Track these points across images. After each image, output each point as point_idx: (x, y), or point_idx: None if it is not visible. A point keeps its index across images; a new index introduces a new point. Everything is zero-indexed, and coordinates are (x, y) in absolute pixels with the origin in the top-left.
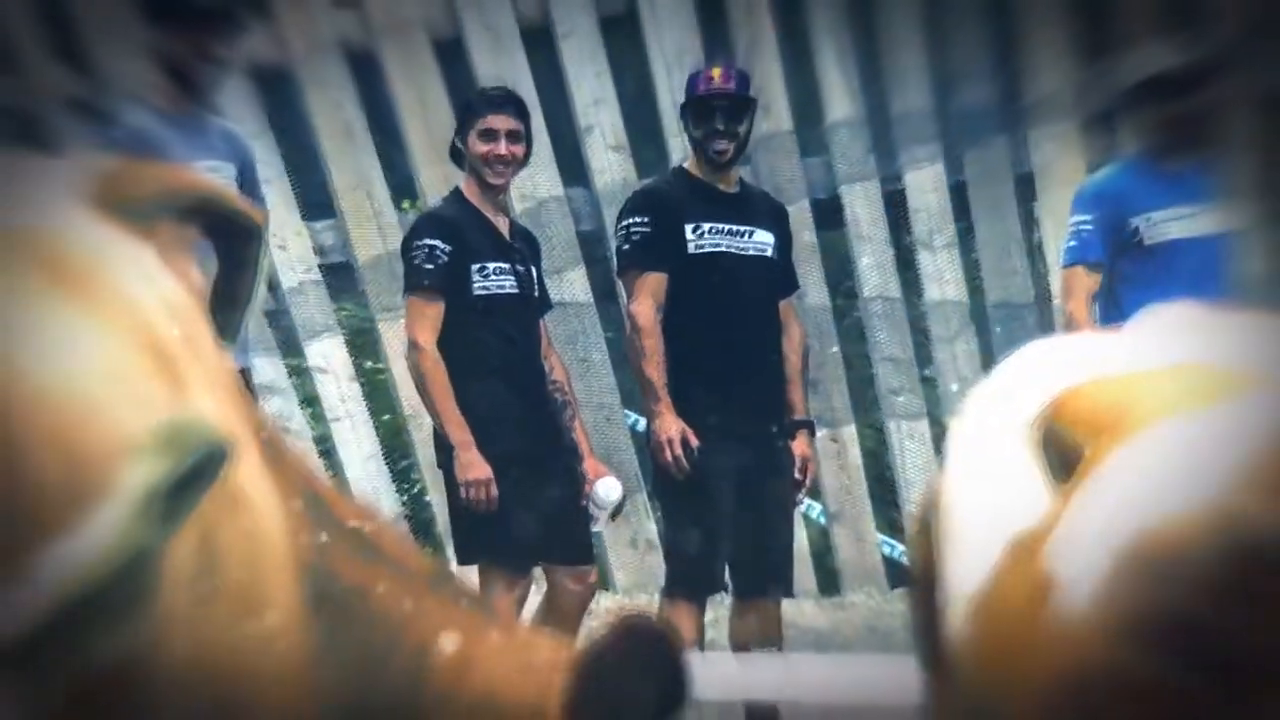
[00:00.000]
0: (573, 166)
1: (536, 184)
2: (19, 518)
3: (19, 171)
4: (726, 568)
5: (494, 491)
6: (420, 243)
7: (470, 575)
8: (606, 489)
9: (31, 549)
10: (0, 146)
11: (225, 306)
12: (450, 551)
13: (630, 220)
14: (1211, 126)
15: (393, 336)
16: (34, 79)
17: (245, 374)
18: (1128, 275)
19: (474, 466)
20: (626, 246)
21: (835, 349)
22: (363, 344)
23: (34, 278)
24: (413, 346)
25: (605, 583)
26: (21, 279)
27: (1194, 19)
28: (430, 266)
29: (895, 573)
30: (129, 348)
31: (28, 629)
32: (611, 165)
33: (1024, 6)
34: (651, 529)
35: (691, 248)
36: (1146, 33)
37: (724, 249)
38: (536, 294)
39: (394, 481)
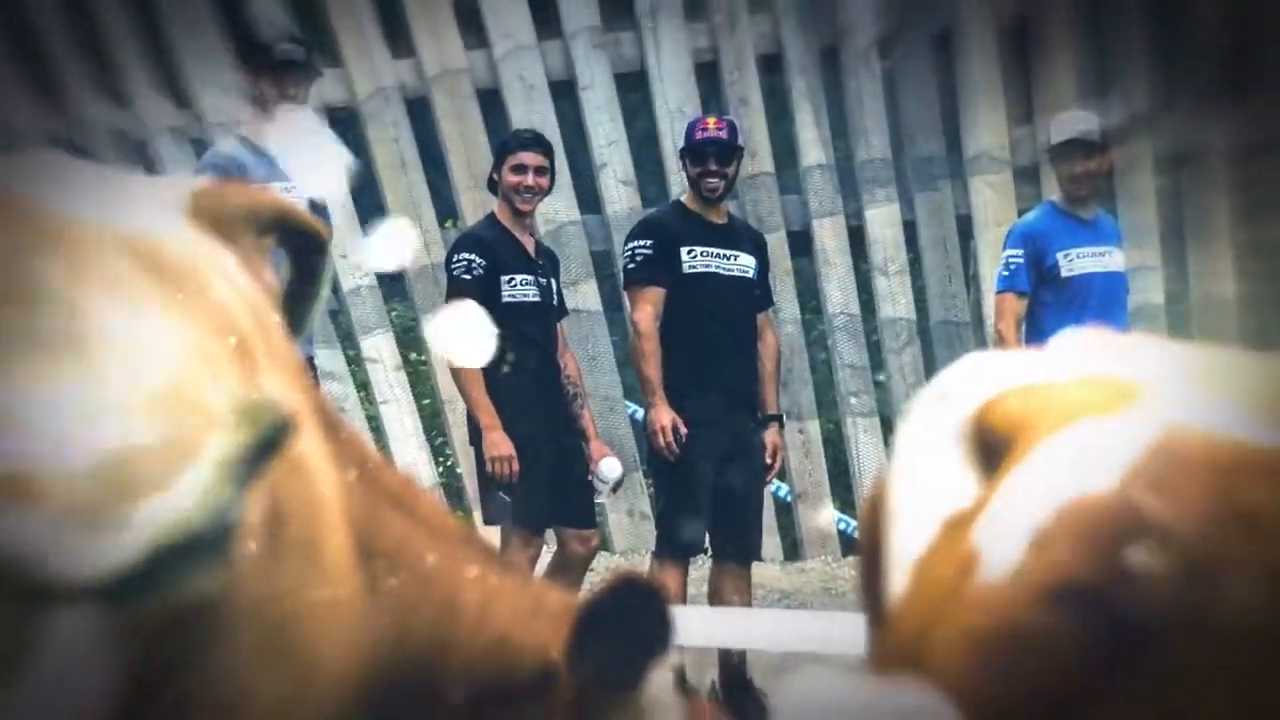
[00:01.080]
0: (588, 197)
1: (557, 210)
2: (122, 477)
3: (129, 187)
4: (707, 535)
5: (515, 466)
6: (460, 257)
7: (493, 535)
8: (609, 467)
9: (131, 503)
10: (114, 166)
11: (295, 305)
12: (477, 515)
13: (635, 243)
14: (1118, 181)
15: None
16: (143, 110)
17: (310, 362)
18: (1047, 302)
19: (499, 445)
20: (631, 265)
21: (803, 356)
22: (409, 340)
23: (138, 276)
24: None
25: (605, 545)
26: (127, 277)
27: (1108, 91)
28: (468, 277)
29: (847, 544)
30: (214, 337)
31: (125, 569)
32: (621, 196)
33: (966, 75)
34: (645, 502)
35: (685, 268)
36: (1068, 101)
37: (712, 270)
38: (555, 302)
39: (432, 456)
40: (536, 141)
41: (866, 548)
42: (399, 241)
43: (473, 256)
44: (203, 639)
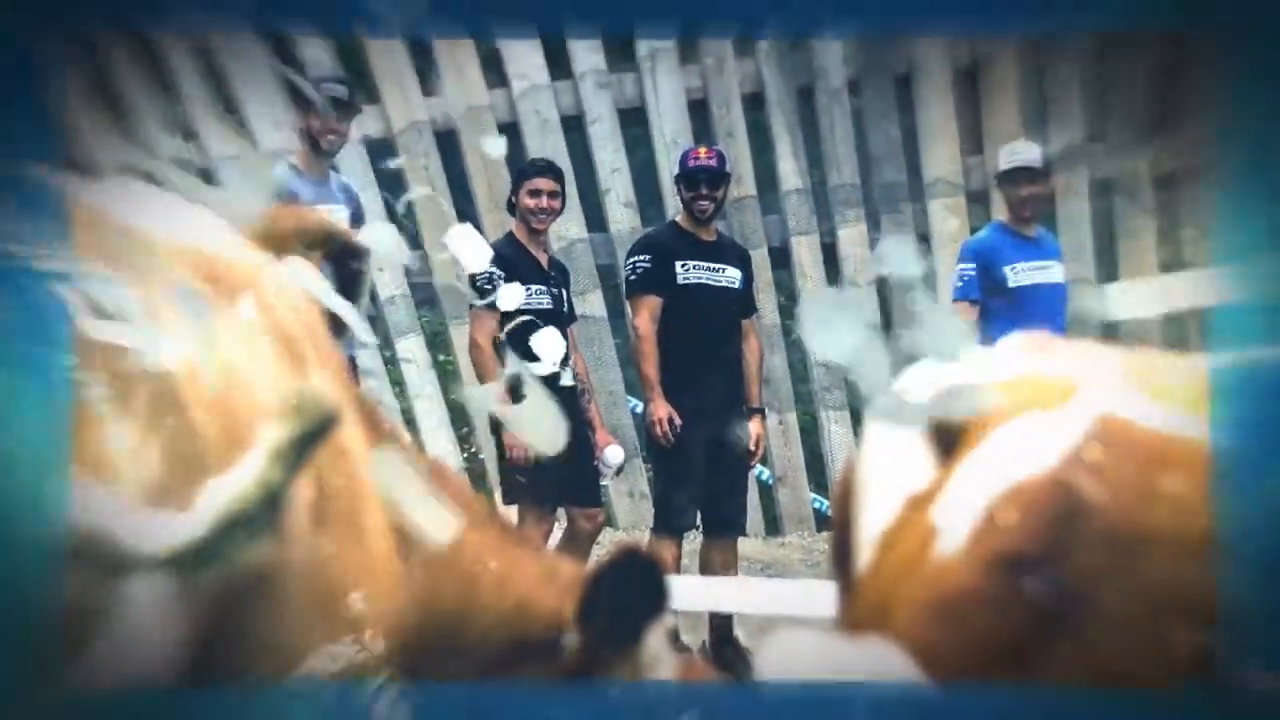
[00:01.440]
0: (595, 217)
1: (568, 229)
2: (187, 462)
3: (195, 209)
4: (698, 513)
5: (531, 453)
6: (484, 270)
7: (511, 513)
8: (613, 453)
9: (195, 484)
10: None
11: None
12: (497, 495)
13: (636, 258)
14: (1058, 203)
15: (460, 338)
16: (207, 142)
17: (351, 361)
18: (995, 310)
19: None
20: (633, 277)
21: (783, 356)
22: (438, 342)
23: (200, 286)
24: (474, 345)
25: (610, 522)
26: (190, 284)
27: (1048, 125)
28: (489, 287)
29: (821, 520)
30: (268, 338)
31: (191, 542)
32: (623, 217)
33: (924, 112)
34: (644, 484)
35: (680, 279)
36: (1013, 133)
37: (704, 281)
38: (566, 310)
39: (458, 443)
40: (550, 169)
41: (838, 524)
42: (475, 242)
43: (494, 270)
44: (259, 597)
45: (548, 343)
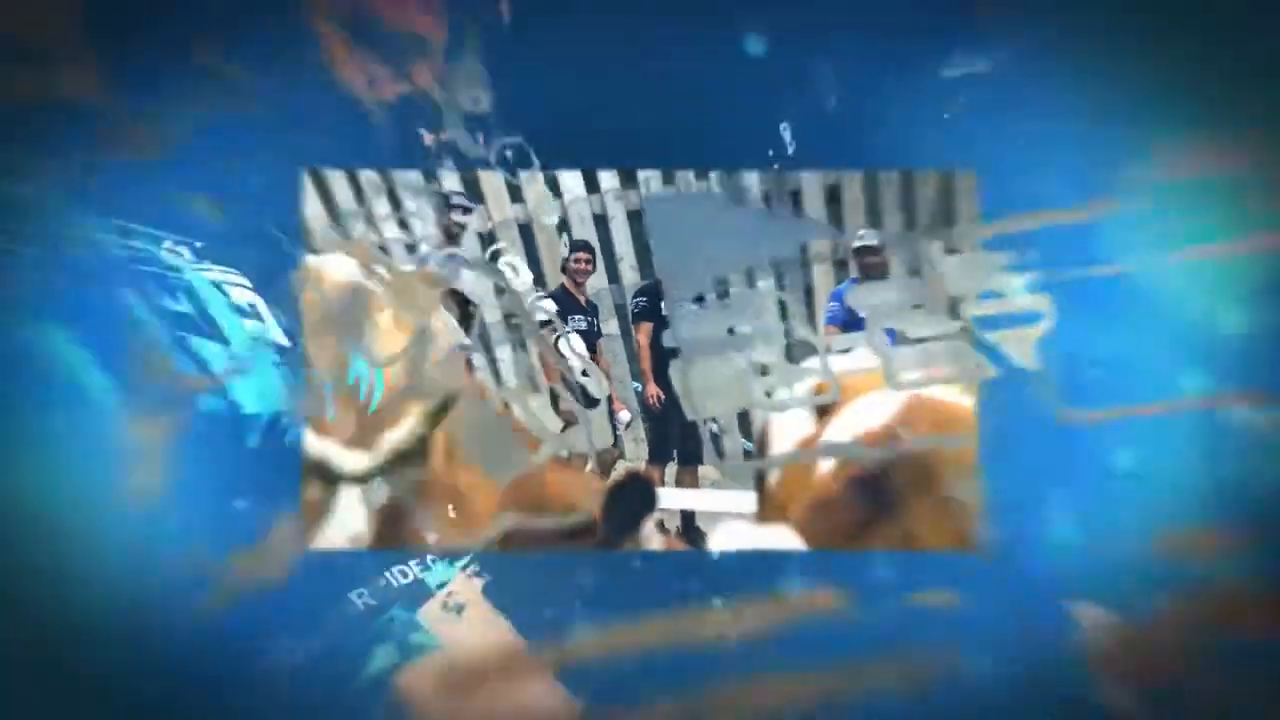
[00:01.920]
0: (613, 275)
1: (597, 282)
2: (374, 421)
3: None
4: (675, 451)
5: (576, 417)
6: (544, 304)
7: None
8: (624, 415)
9: (377, 436)
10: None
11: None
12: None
13: (637, 299)
14: (889, 269)
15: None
16: (382, 230)
17: (468, 361)
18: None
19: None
20: (635, 310)
21: None
22: (523, 348)
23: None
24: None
25: (622, 455)
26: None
27: (881, 221)
28: (538, 306)
29: (748, 455)
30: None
31: (373, 467)
32: (629, 275)
33: (809, 212)
34: (643, 433)
35: (663, 311)
36: (860, 225)
37: None
38: (596, 330)
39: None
40: (586, 246)
41: (759, 457)
42: (520, 269)
43: (540, 293)
44: (421, 498)
45: (576, 344)
